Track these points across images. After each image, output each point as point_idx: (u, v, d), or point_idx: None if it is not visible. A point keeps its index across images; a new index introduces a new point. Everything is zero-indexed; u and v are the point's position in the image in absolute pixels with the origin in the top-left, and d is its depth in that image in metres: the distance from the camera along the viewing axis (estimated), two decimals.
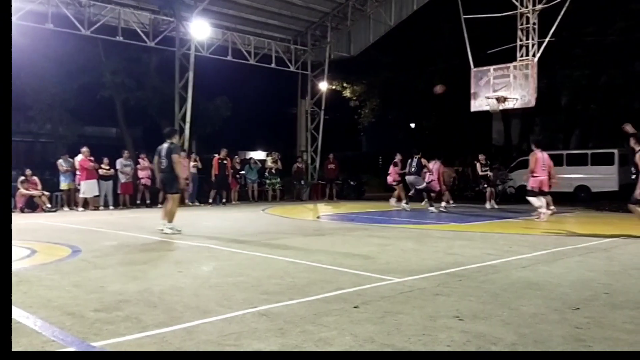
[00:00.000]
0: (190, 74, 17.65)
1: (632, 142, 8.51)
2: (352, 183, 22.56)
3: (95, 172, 15.18)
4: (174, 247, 7.58)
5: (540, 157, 11.61)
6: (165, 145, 9.09)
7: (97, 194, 15.30)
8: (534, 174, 11.54)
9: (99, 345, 3.34)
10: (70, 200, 15.30)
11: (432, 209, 14.00)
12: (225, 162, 17.31)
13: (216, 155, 17.57)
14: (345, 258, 6.56)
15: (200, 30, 17.14)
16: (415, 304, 4.32)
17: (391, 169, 15.93)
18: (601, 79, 20.06)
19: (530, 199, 11.69)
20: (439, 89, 15.89)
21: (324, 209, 15.49)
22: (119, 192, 15.95)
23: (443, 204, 14.84)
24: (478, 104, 15.83)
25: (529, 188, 11.72)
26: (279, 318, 3.90)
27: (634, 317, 3.95)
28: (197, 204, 16.99)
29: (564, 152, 19.65)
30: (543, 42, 14.80)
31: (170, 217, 9.11)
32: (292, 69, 21.21)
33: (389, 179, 15.89)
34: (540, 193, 11.58)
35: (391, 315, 3.95)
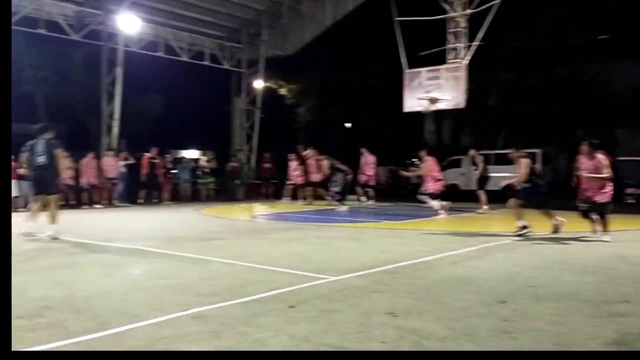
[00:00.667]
0: (119, 70, 17.03)
1: (513, 152, 9.50)
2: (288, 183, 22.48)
3: (15, 172, 14.28)
4: (102, 250, 7.25)
5: (435, 162, 12.21)
6: (41, 141, 8.31)
7: (17, 194, 14.41)
8: (437, 179, 12.03)
9: None
10: None
11: (369, 203, 14.22)
12: (155, 161, 16.78)
13: (146, 154, 17.01)
14: (282, 258, 6.52)
15: (129, 24, 16.55)
16: (350, 302, 4.35)
17: (295, 165, 16.05)
18: (526, 81, 21.07)
19: (432, 202, 12.02)
20: (308, 153, 15.92)
21: (260, 209, 15.35)
22: None
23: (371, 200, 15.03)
24: (411, 105, 16.25)
25: (430, 191, 12.02)
26: (213, 320, 3.81)
27: (556, 309, 4.15)
28: (127, 204, 16.40)
29: (492, 152, 20.49)
30: (472, 45, 15.38)
31: (53, 219, 8.27)
32: (226, 66, 20.91)
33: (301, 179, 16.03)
34: (437, 196, 12.09)
35: (327, 314, 3.96)
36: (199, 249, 7.28)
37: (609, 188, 7.94)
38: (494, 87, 22.36)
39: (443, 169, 21.59)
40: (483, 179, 13.64)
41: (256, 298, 4.46)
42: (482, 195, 13.39)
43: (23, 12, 15.46)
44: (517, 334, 3.52)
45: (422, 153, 12.46)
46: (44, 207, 8.52)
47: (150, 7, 17.78)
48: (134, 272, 5.84)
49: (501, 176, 18.74)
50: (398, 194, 23.02)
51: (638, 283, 5.08)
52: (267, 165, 19.83)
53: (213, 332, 3.56)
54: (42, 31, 16.03)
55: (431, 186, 11.99)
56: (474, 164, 13.98)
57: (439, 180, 12.07)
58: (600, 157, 7.98)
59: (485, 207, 13.27)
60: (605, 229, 7.98)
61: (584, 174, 8.09)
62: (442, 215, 11.90)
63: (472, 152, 14.48)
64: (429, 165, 12.11)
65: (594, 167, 7.97)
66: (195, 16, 19.09)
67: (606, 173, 7.92)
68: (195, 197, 18.78)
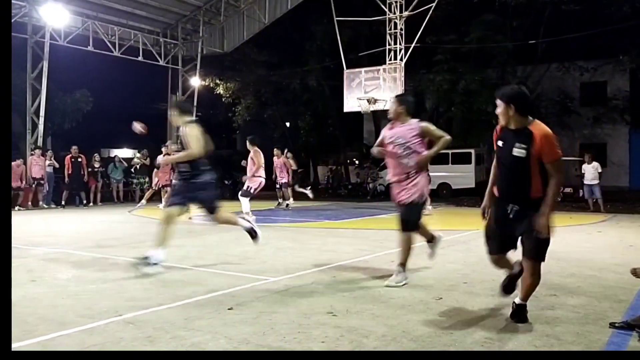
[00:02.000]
0: (45, 64, 16.20)
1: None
2: (226, 182, 22.17)
3: None
4: (26, 254, 6.84)
5: (261, 156, 10.50)
6: None
7: None
8: (258, 174, 10.42)
9: None
10: None
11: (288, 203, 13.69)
12: (79, 160, 16.02)
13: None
14: (220, 259, 6.39)
15: (56, 16, 15.76)
16: (290, 302, 4.31)
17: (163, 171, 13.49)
18: (460, 83, 21.74)
19: (244, 199, 10.44)
20: (139, 127, 13.18)
21: (197, 209, 15.02)
22: None
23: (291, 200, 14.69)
24: (350, 105, 16.40)
25: (250, 190, 10.43)
26: (147, 325, 3.66)
27: (488, 304, 4.29)
28: (54, 206, 15.62)
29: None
30: (409, 47, 15.72)
31: None
32: (161, 63, 20.33)
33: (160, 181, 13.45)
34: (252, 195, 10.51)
35: (266, 315, 3.90)
36: (132, 251, 7.01)
37: (421, 180, 5.02)
38: (430, 88, 22.93)
39: (381, 169, 22.12)
40: None
41: (193, 301, 4.34)
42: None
43: None
44: (452, 330, 3.60)
45: (249, 144, 10.64)
46: None
47: None
48: (62, 277, 5.53)
49: (437, 175, 19.21)
50: (337, 193, 23.26)
51: (563, 277, 5.33)
52: None
53: (147, 337, 3.42)
54: None
55: (254, 183, 10.37)
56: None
57: (259, 176, 10.46)
58: (415, 122, 5.06)
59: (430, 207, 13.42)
60: (429, 243, 5.54)
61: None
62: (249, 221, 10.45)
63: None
64: (259, 158, 10.35)
65: (403, 136, 5.01)
66: (127, 9, 18.41)
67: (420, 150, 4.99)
68: (128, 197, 18.14)
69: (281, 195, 14.90)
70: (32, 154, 15.49)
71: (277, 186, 14.92)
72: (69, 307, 4.18)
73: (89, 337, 3.44)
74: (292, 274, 5.40)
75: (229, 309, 4.06)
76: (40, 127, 16.38)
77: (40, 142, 16.38)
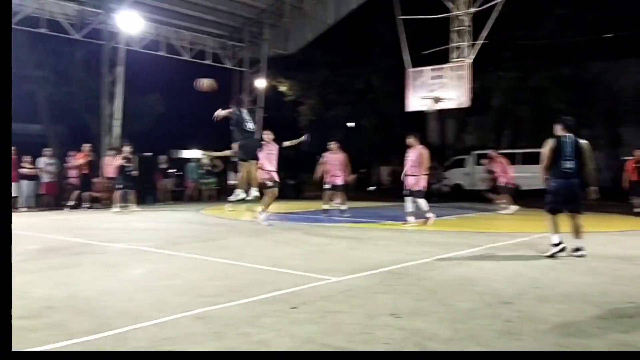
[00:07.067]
0: (120, 69, 17.00)
1: None
2: (290, 182, 22.46)
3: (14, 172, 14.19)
4: (104, 251, 7.23)
5: None
6: None
7: (15, 194, 14.34)
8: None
9: None
10: None
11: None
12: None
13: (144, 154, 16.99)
14: (284, 258, 6.48)
15: (131, 23, 16.49)
16: (354, 302, 4.31)
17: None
18: (529, 81, 20.99)
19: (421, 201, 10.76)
20: (205, 85, 10.13)
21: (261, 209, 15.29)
22: (41, 192, 15.04)
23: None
24: (414, 104, 16.22)
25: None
26: (216, 321, 3.78)
27: (561, 310, 4.11)
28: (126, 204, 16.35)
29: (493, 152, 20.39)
30: (476, 44, 15.33)
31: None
32: (228, 65, 20.88)
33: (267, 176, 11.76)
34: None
35: (330, 315, 3.93)
36: (201, 249, 7.25)
37: None
38: (497, 86, 22.27)
39: (446, 169, 21.70)
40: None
41: (259, 299, 4.43)
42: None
43: (25, 11, 15.44)
44: (521, 335, 3.49)
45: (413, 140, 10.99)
46: None
47: (152, 6, 17.72)
48: (136, 272, 5.81)
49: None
50: (401, 194, 23.02)
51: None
52: None
53: (215, 333, 3.53)
54: (43, 30, 16.00)
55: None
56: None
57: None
58: None
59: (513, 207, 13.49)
60: None
61: None
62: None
63: (492, 152, 14.30)
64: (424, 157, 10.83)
65: None
66: (197, 15, 19.03)
67: None
68: (197, 197, 18.73)
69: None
70: (107, 155, 16.27)
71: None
72: (142, 301, 4.38)
73: (161, 331, 3.59)
74: (356, 274, 5.40)
75: (293, 308, 4.11)
76: (116, 129, 17.21)
77: (115, 143, 17.20)
